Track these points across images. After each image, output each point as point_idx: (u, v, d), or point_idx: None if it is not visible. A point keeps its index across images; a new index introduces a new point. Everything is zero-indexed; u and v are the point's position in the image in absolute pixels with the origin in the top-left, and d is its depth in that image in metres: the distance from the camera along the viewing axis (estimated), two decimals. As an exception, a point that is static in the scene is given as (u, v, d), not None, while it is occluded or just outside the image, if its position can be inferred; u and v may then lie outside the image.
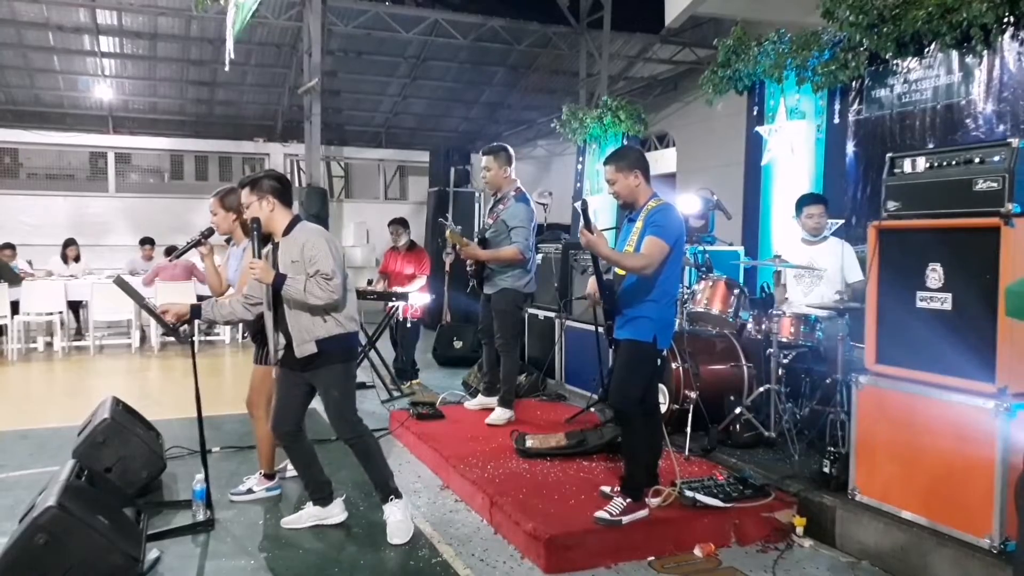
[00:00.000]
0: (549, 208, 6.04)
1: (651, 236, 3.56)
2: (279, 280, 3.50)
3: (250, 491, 4.28)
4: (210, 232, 4.20)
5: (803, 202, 5.01)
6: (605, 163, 3.82)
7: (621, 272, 3.77)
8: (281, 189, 3.66)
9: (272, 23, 12.78)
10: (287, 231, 3.65)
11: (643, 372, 3.69)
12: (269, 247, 3.69)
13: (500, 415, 5.39)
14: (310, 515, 3.86)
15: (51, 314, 9.48)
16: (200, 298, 9.17)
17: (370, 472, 3.75)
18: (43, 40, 13.28)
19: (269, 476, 4.33)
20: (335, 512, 3.88)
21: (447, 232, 5.49)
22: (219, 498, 4.07)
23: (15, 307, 9.18)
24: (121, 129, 15.77)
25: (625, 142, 9.19)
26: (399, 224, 7.89)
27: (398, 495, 3.76)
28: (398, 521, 3.70)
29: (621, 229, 3.96)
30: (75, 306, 10.21)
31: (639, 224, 3.66)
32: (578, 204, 3.91)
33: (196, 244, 4.19)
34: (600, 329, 5.64)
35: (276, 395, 3.83)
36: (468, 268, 5.55)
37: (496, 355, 5.53)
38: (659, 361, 3.76)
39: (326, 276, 3.48)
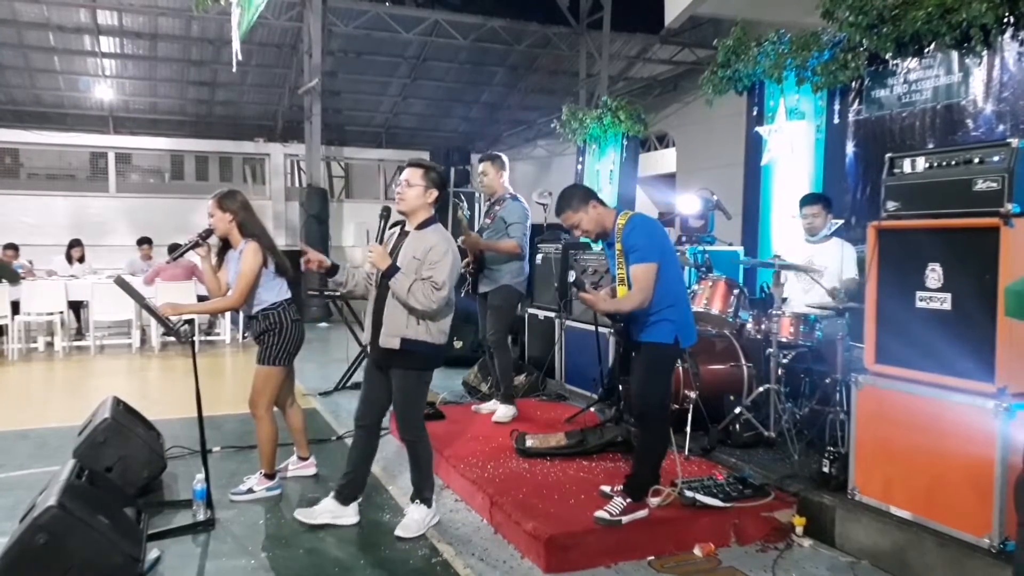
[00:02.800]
0: (549, 208, 6.05)
1: (634, 265, 3.57)
2: (392, 270, 3.55)
3: (250, 491, 4.28)
4: (208, 233, 4.19)
5: (800, 202, 5.04)
6: (560, 213, 3.79)
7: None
8: (442, 186, 3.75)
9: (272, 23, 12.79)
10: (422, 226, 3.69)
11: (665, 374, 3.74)
12: (396, 231, 3.76)
13: (505, 413, 5.41)
14: (325, 509, 3.87)
15: (52, 314, 9.47)
16: (200, 298, 9.17)
17: (412, 473, 3.86)
18: (43, 40, 13.30)
19: (270, 476, 4.33)
20: (350, 513, 3.89)
21: (459, 212, 5.56)
22: (219, 498, 4.07)
23: (15, 307, 9.18)
24: (121, 129, 15.79)
25: (625, 142, 9.23)
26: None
27: (427, 504, 3.83)
28: (412, 520, 3.77)
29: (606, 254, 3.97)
30: (76, 306, 10.21)
31: (618, 246, 3.66)
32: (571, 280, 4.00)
33: (195, 245, 4.19)
34: (600, 329, 5.68)
35: (362, 388, 3.90)
36: (462, 268, 5.54)
37: None
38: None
39: (436, 286, 3.52)
